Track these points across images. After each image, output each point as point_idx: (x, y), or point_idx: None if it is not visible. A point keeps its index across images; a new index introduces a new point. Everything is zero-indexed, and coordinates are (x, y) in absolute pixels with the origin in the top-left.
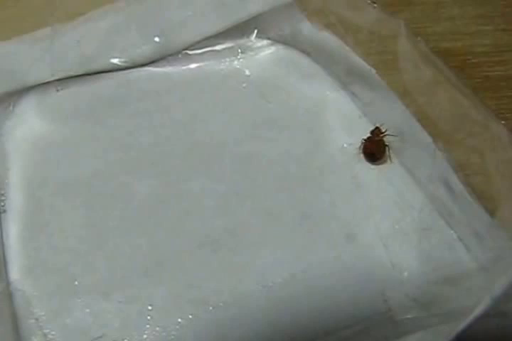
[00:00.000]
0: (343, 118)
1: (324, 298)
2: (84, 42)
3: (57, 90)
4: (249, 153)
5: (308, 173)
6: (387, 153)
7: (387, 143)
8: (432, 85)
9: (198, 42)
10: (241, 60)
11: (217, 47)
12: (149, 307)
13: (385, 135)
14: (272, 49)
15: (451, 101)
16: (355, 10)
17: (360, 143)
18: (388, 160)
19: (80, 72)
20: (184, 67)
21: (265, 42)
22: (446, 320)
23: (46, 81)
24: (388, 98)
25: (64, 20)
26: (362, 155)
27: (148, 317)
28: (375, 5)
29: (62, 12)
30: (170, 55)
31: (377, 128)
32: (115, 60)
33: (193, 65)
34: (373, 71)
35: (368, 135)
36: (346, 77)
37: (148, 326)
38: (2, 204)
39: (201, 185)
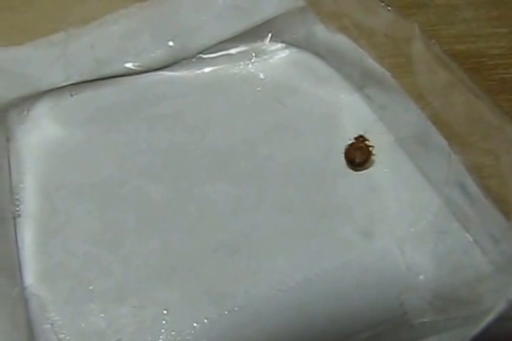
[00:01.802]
0: (357, 121)
1: (340, 301)
2: (98, 47)
3: (72, 95)
4: (264, 157)
5: (323, 177)
6: (371, 160)
7: (373, 152)
8: (447, 88)
9: (212, 46)
10: (255, 63)
11: (232, 51)
12: (164, 312)
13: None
14: (286, 52)
15: (466, 104)
16: (369, 13)
17: (343, 149)
18: (372, 166)
19: (94, 77)
20: (198, 71)
21: (279, 45)
22: (462, 323)
23: (60, 86)
24: (403, 101)
25: (77, 24)
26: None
27: (164, 322)
28: (390, 8)
29: (75, 17)
30: (184, 59)
31: (361, 136)
32: (129, 65)
33: (207, 69)
34: (388, 74)
35: (352, 141)
36: (361, 80)
37: (163, 330)
38: (17, 209)
39: (216, 188)
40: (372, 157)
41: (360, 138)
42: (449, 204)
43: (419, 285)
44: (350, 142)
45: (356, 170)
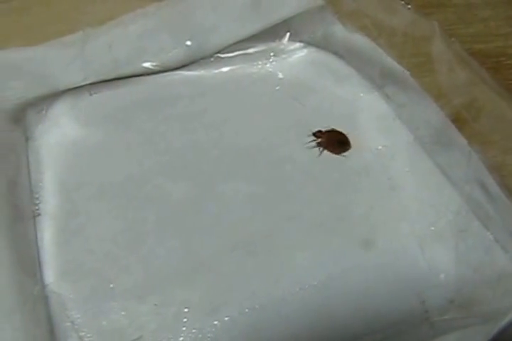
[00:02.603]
0: (377, 120)
1: (361, 299)
2: (116, 47)
3: (90, 94)
4: (283, 156)
5: (343, 176)
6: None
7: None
8: (467, 86)
9: (230, 45)
10: (273, 63)
11: (250, 51)
12: (185, 310)
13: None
14: (305, 52)
15: (486, 103)
16: (388, 12)
17: (316, 145)
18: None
19: (112, 76)
20: (216, 71)
21: (297, 45)
22: (484, 322)
23: (78, 85)
24: (422, 100)
25: (95, 24)
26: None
27: (185, 320)
28: (409, 6)
29: (92, 17)
30: (202, 59)
31: (319, 131)
32: (147, 64)
33: (225, 69)
34: (407, 73)
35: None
36: (380, 79)
37: (184, 328)
38: (37, 207)
39: (235, 187)
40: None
41: (319, 133)
42: (470, 202)
43: (440, 284)
44: (317, 140)
45: (344, 151)
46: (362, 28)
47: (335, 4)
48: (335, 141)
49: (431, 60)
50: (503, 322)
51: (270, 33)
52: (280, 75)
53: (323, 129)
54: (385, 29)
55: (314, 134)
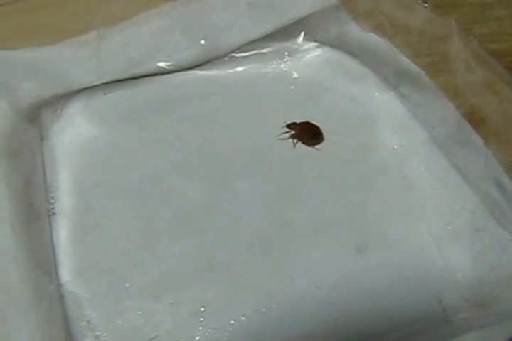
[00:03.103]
0: (392, 119)
1: (377, 298)
2: (131, 46)
3: (105, 94)
4: (298, 155)
5: (359, 174)
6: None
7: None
8: (485, 86)
9: (244, 45)
10: (288, 62)
11: (264, 50)
12: (201, 309)
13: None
14: (319, 51)
15: (503, 102)
16: (405, 10)
17: (290, 137)
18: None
19: (127, 76)
20: (231, 71)
21: (312, 44)
22: (501, 320)
23: (93, 85)
24: (438, 99)
25: (109, 24)
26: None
27: (201, 319)
28: (426, 5)
29: (107, 16)
30: (216, 59)
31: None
32: (161, 64)
33: (239, 68)
34: (423, 72)
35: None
36: (395, 79)
37: (200, 327)
38: (52, 207)
39: (250, 186)
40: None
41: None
42: (486, 201)
43: (458, 283)
44: (287, 131)
45: (316, 144)
46: (377, 27)
47: (350, 3)
48: (308, 133)
49: (447, 59)
50: None
51: (284, 33)
52: (294, 75)
53: (298, 121)
54: (401, 28)
55: (288, 126)
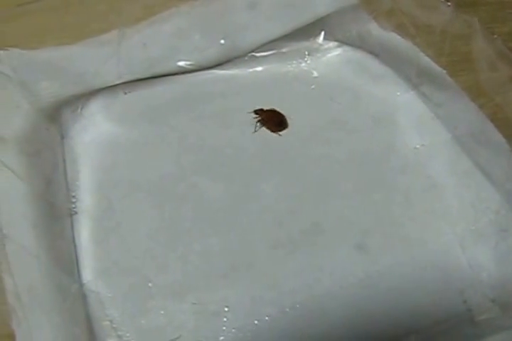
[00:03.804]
0: (414, 119)
1: (402, 298)
2: (151, 46)
3: (125, 93)
4: (320, 155)
5: (382, 174)
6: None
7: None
8: (508, 84)
9: (264, 44)
10: (308, 62)
11: (284, 50)
12: (225, 309)
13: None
14: (340, 51)
15: None
16: (427, 9)
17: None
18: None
19: (147, 75)
20: (251, 70)
21: (332, 44)
22: None
23: (113, 84)
24: (460, 99)
25: (130, 23)
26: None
27: (224, 319)
28: (449, 3)
29: (128, 15)
30: (236, 58)
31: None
32: (181, 63)
33: (259, 68)
34: (444, 72)
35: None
36: (417, 78)
37: (224, 328)
38: (73, 206)
39: (273, 185)
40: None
41: (260, 111)
42: (510, 201)
43: (482, 283)
44: (256, 117)
45: (280, 130)
46: (398, 27)
47: (370, 3)
48: (273, 120)
49: (470, 58)
50: None
51: (305, 32)
52: (315, 74)
53: (264, 108)
54: (423, 27)
55: (256, 112)
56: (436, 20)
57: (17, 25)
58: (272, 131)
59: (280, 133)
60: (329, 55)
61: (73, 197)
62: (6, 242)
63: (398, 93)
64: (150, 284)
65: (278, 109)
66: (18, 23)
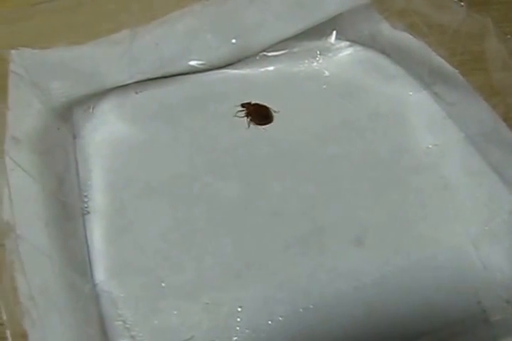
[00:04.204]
0: (426, 119)
1: (416, 299)
2: (163, 45)
3: (136, 92)
4: (332, 154)
5: (395, 174)
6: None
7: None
8: None
9: (276, 44)
10: (320, 61)
11: (296, 49)
12: (238, 309)
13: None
14: (351, 50)
15: None
16: (440, 9)
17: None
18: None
19: (158, 75)
20: (262, 69)
21: (344, 43)
22: None
23: (125, 83)
24: (473, 98)
25: (142, 23)
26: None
27: (238, 319)
28: (462, 3)
29: (140, 15)
30: (248, 57)
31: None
32: (193, 63)
33: (271, 67)
34: (457, 71)
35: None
36: (429, 78)
37: (238, 328)
38: (86, 205)
39: (286, 185)
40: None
41: (247, 105)
42: None
43: (496, 283)
44: (242, 110)
45: (266, 124)
46: (410, 26)
47: (383, 2)
48: (259, 113)
49: (483, 57)
50: None
51: (316, 32)
52: (327, 74)
53: (251, 102)
54: (435, 27)
55: (242, 105)
56: (448, 19)
57: (29, 25)
58: (258, 123)
59: (264, 127)
60: (341, 55)
61: (85, 196)
62: (20, 242)
63: (410, 92)
64: (163, 284)
65: (265, 104)
66: (31, 22)
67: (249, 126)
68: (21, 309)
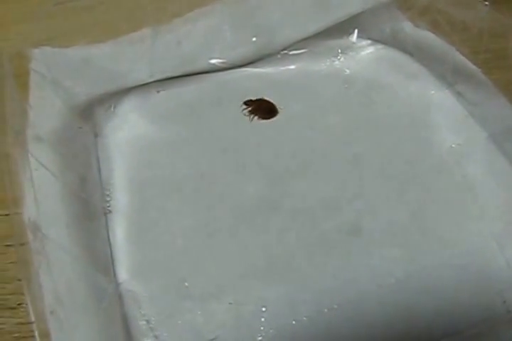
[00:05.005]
0: (449, 118)
1: (440, 298)
2: (184, 44)
3: (158, 91)
4: (356, 153)
5: (417, 173)
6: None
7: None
8: None
9: (297, 42)
10: (341, 60)
11: (317, 48)
12: (263, 309)
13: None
14: (373, 49)
15: None
16: (463, 7)
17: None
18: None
19: (179, 73)
20: (283, 68)
21: (365, 42)
22: None
23: (146, 82)
24: (496, 97)
25: (162, 21)
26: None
27: (262, 319)
28: (487, 2)
29: (161, 13)
30: (269, 56)
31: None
32: (214, 61)
33: (292, 66)
34: (479, 70)
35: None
36: (451, 77)
37: (262, 328)
38: (108, 204)
39: (309, 184)
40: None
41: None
42: None
43: None
44: (246, 107)
45: (271, 117)
46: (432, 25)
47: (405, 0)
48: (264, 108)
49: (506, 56)
50: None
51: (338, 30)
52: (348, 72)
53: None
54: (458, 25)
55: (245, 103)
56: (471, 18)
57: (51, 24)
58: (264, 118)
59: (271, 119)
60: (362, 54)
61: (107, 195)
62: (46, 242)
63: (432, 91)
64: (186, 284)
65: (267, 98)
66: (52, 21)
67: (251, 120)
68: (45, 308)
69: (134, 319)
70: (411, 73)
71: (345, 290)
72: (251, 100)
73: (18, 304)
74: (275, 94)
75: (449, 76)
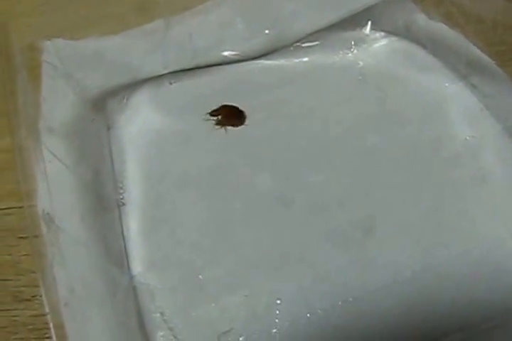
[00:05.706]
0: (464, 110)
1: (456, 292)
2: (196, 36)
3: (170, 83)
4: (370, 146)
5: (432, 166)
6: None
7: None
8: None
9: (310, 34)
10: (355, 52)
11: (330, 40)
12: (277, 301)
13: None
14: (386, 41)
15: None
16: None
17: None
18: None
19: (192, 66)
20: (297, 60)
21: (379, 34)
22: None
23: (159, 74)
24: (510, 89)
25: (175, 13)
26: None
27: (277, 312)
28: None
29: (174, 5)
30: (281, 48)
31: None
32: (226, 53)
33: (305, 58)
34: (494, 62)
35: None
36: (465, 69)
37: (277, 320)
38: (121, 197)
39: (323, 178)
40: None
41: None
42: None
43: None
44: (216, 116)
45: (242, 123)
46: (446, 17)
47: None
48: (232, 115)
49: None
50: None
51: (351, 22)
52: (361, 65)
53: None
54: (473, 17)
55: (211, 114)
56: (486, 9)
57: (63, 16)
58: (235, 125)
59: (238, 127)
60: (376, 46)
61: (121, 188)
62: (60, 234)
63: (446, 84)
64: (200, 276)
65: (228, 103)
66: (64, 13)
67: (226, 130)
68: (59, 300)
69: (148, 311)
70: (425, 65)
71: (360, 283)
72: (215, 110)
73: (33, 296)
74: (288, 86)
75: (463, 68)
